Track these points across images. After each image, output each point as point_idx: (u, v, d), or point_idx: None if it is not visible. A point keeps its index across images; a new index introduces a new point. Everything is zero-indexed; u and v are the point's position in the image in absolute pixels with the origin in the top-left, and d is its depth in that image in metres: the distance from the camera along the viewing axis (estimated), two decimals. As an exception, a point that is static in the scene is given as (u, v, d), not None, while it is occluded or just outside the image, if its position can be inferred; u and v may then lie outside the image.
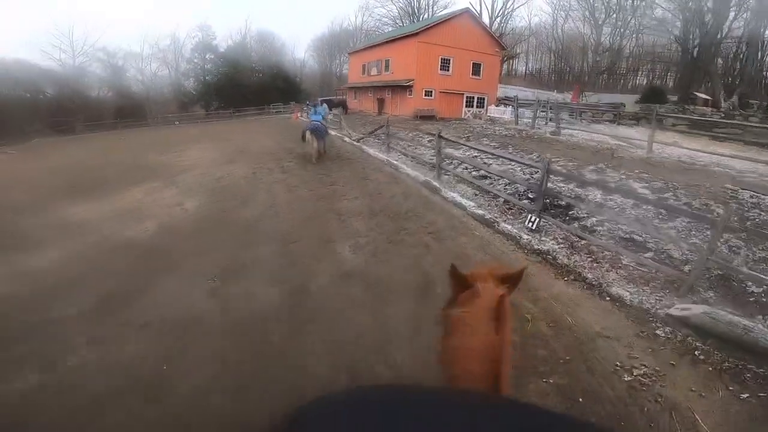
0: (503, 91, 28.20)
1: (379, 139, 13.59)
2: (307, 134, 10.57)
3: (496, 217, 6.06)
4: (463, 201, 6.96)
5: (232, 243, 5.33)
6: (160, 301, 3.95)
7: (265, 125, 24.62)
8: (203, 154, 13.59)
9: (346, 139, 15.07)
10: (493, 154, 8.65)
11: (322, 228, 5.83)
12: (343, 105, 28.22)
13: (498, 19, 52.62)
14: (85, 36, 43.10)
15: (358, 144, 13.66)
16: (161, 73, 51.08)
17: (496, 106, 22.83)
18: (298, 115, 27.78)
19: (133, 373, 3.02)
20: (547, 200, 5.74)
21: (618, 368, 3.06)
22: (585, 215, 5.64)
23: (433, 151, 9.31)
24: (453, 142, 9.41)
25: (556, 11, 52.09)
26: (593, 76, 47.48)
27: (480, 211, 6.38)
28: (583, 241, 4.87)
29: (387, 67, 25.79)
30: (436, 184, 8.08)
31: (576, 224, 5.47)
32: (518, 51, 56.85)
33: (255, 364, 3.08)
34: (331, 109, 26.60)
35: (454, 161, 9.51)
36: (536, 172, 7.64)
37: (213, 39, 49.62)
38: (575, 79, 48.17)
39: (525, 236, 5.20)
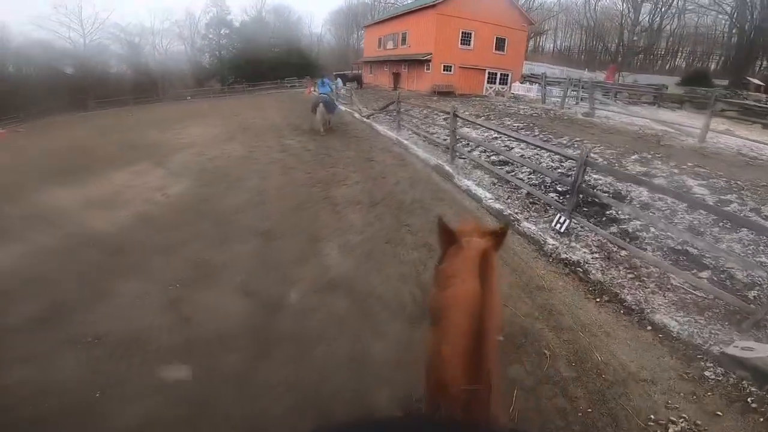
0: (529, 68, 26.40)
1: (390, 116, 12.64)
2: (320, 107, 10.63)
3: (516, 214, 5.23)
4: (479, 191, 6.12)
5: (208, 238, 4.68)
6: (112, 312, 3.36)
7: (277, 100, 23.78)
8: (205, 130, 12.98)
9: (356, 114, 14.16)
10: (516, 138, 7.67)
11: (312, 221, 5.12)
12: (357, 80, 27.01)
13: (526, -8, 49.36)
14: (95, 13, 42.21)
15: (368, 121, 12.76)
16: (176, 48, 50.32)
17: (521, 83, 21.25)
18: (312, 89, 26.76)
19: (66, 399, 2.51)
20: (580, 196, 4.84)
21: (651, 423, 2.40)
22: (626, 217, 4.73)
23: (447, 131, 8.39)
24: (470, 122, 8.45)
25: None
26: (629, 56, 44.43)
27: (498, 205, 5.54)
28: (623, 252, 4.01)
29: (404, 40, 24.31)
30: (448, 169, 7.23)
31: (614, 228, 4.57)
32: (546, 27, 53.66)
33: (204, 395, 2.51)
34: (345, 84, 25.62)
35: (470, 143, 8.58)
36: (565, 160, 6.71)
37: (227, 14, 48.38)
38: (610, 58, 45.27)
39: (551, 240, 4.36)
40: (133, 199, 6.33)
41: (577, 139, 8.23)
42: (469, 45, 21.80)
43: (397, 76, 24.00)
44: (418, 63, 22.28)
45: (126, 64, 46.63)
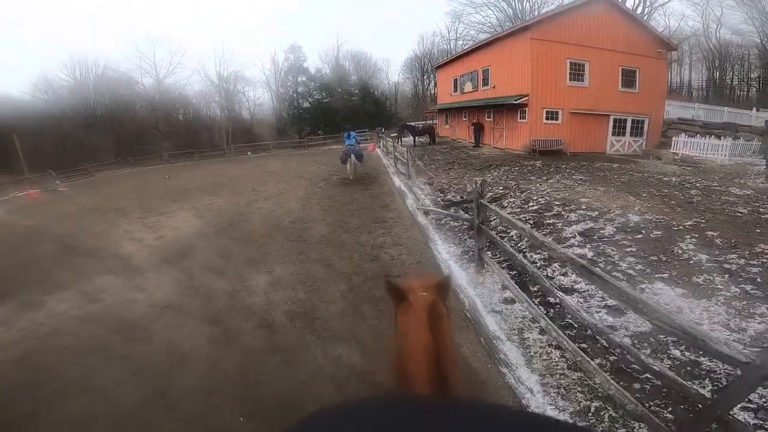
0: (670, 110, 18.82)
1: (469, 215, 7.09)
2: (352, 158, 11.52)
3: None
4: None
5: None
6: None
7: (329, 160, 19.87)
8: (184, 222, 8.88)
9: (409, 202, 8.77)
10: None
11: None
12: (429, 133, 22.05)
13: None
14: (170, 55, 43.50)
15: (424, 222, 7.25)
16: (265, 96, 51.62)
17: (689, 135, 13.76)
18: (375, 146, 22.62)
19: None
20: None
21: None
22: None
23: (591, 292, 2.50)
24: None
25: (705, 16, 39.38)
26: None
27: None
28: None
29: (486, 79, 18.86)
30: None
31: None
32: (670, 59, 44.36)
33: None
34: (414, 138, 20.87)
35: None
36: None
37: (303, 60, 48.57)
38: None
39: None
40: None
41: None
42: (582, 80, 15.55)
43: (478, 129, 18.43)
44: (508, 109, 16.56)
45: (225, 112, 48.71)
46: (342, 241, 6.47)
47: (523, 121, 15.58)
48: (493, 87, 17.78)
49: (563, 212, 5.97)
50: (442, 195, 8.81)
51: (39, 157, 31.02)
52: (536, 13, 34.28)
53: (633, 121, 15.85)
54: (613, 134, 15.71)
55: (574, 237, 5.23)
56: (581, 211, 5.82)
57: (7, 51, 43.93)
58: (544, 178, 9.55)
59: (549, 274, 4.43)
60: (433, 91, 55.58)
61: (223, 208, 9.94)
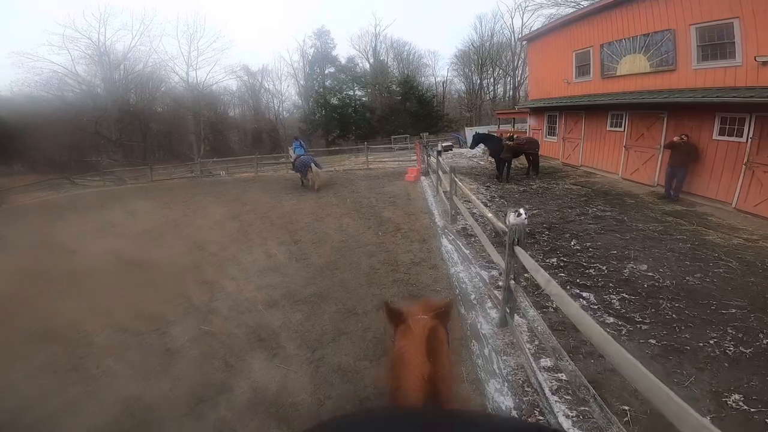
0: None
1: None
2: (313, 167, 10.83)
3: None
4: None
5: None
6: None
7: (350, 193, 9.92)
8: None
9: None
10: None
11: None
12: (530, 150, 11.34)
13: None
14: (131, 35, 34.18)
15: None
16: (288, 92, 42.68)
17: None
18: (420, 172, 12.66)
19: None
20: None
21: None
22: None
23: None
24: None
25: None
26: None
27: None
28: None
29: (727, 48, 7.64)
30: None
31: None
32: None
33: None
34: (503, 165, 10.30)
35: None
36: None
37: (332, 48, 38.98)
38: None
39: None
40: None
41: None
42: None
43: (683, 160, 7.60)
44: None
45: (250, 110, 40.69)
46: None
47: None
48: (764, 64, 6.73)
49: None
50: None
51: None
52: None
53: None
54: None
55: None
56: None
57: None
58: None
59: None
60: (492, 88, 44.15)
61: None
